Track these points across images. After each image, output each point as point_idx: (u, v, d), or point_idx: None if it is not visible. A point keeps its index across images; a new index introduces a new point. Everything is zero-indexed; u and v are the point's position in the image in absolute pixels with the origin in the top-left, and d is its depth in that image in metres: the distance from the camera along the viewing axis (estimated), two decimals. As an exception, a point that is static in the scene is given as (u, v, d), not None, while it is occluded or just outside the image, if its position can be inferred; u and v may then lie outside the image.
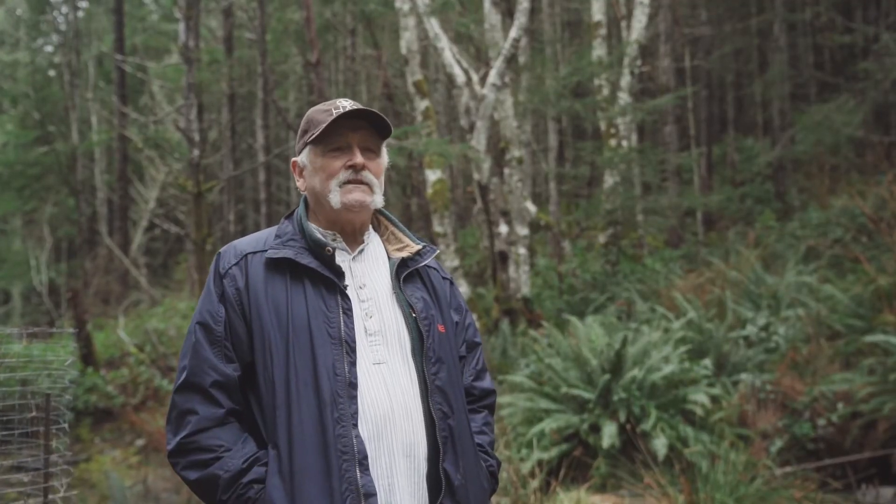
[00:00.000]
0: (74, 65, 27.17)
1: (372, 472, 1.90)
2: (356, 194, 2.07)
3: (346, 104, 2.09)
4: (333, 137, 2.07)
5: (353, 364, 1.95)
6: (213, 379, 1.96)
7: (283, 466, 1.89)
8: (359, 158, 2.07)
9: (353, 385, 1.93)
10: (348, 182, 2.07)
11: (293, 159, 2.19)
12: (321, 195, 2.09)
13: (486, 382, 2.30)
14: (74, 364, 4.25)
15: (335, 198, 2.06)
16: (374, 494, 1.88)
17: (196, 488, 1.95)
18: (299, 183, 2.17)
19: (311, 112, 2.15)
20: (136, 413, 13.32)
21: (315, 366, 1.92)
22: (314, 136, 2.07)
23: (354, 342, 1.97)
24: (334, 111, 2.08)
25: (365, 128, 2.11)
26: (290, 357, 1.93)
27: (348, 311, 1.99)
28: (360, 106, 2.09)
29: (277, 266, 2.02)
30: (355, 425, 1.90)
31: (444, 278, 2.27)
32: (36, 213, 27.49)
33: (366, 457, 1.89)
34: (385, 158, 2.19)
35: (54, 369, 4.32)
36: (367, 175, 2.09)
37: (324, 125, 2.06)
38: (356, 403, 1.92)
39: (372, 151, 2.13)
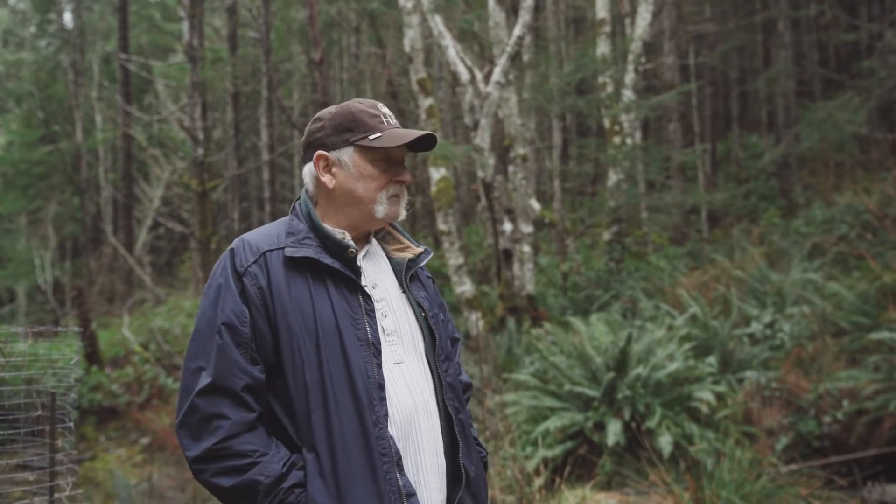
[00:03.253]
0: (79, 64, 27.19)
1: (406, 472, 1.94)
2: (398, 208, 2.10)
3: (387, 111, 2.12)
4: (387, 148, 2.06)
5: (379, 366, 1.96)
6: (245, 382, 1.91)
7: (325, 470, 1.88)
8: (408, 176, 2.11)
9: (381, 386, 1.94)
10: (395, 195, 2.09)
11: (321, 152, 2.09)
12: (362, 201, 2.07)
13: (465, 376, 2.33)
14: (79, 363, 4.26)
15: (381, 209, 2.07)
16: (414, 494, 1.91)
17: (229, 495, 1.90)
18: (325, 178, 2.08)
19: (356, 112, 2.09)
20: (141, 411, 13.34)
21: (349, 368, 1.92)
22: (374, 143, 2.05)
23: (380, 343, 1.98)
24: (384, 119, 2.09)
25: None
26: (322, 359, 1.92)
27: (371, 313, 2.00)
28: (417, 132, 2.09)
29: (297, 265, 1.99)
30: (387, 426, 1.93)
31: (428, 277, 2.30)
32: (41, 212, 27.53)
33: (401, 457, 1.92)
34: None
35: (59, 368, 4.32)
36: (405, 191, 2.13)
37: (388, 139, 2.04)
38: (385, 405, 1.93)
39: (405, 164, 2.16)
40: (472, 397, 2.38)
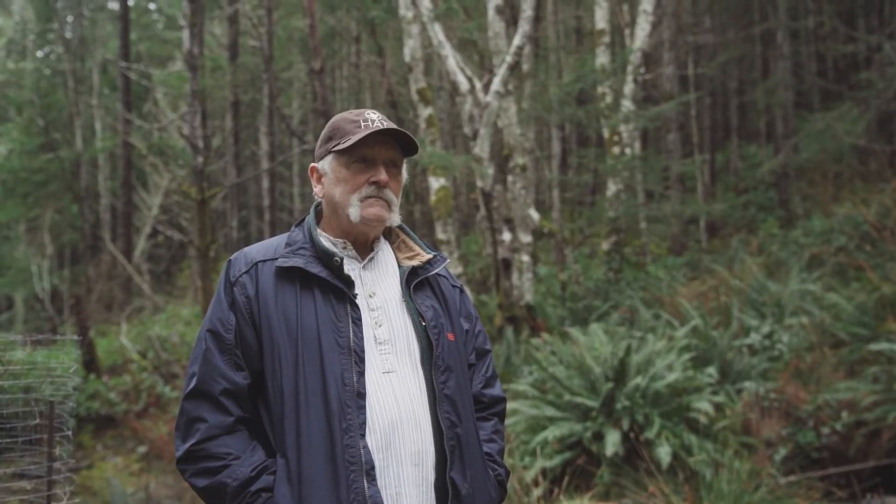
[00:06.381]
0: (79, 72, 27.23)
1: (379, 482, 1.91)
2: (375, 209, 2.08)
3: (375, 117, 2.10)
4: (360, 149, 2.07)
5: (361, 374, 1.95)
6: (223, 387, 1.97)
7: (292, 475, 1.89)
8: (384, 176, 2.08)
9: (361, 395, 1.93)
10: (369, 197, 2.08)
11: (312, 164, 2.19)
12: (340, 206, 2.10)
13: (496, 390, 2.29)
14: (77, 371, 4.25)
15: (355, 212, 2.07)
16: None
17: (204, 496, 1.96)
18: (317, 189, 2.17)
19: (338, 120, 2.14)
20: (139, 420, 13.30)
21: (323, 375, 1.93)
22: (342, 146, 2.07)
23: (363, 352, 1.97)
24: (362, 123, 2.08)
25: (391, 143, 2.11)
26: (299, 366, 1.94)
27: (357, 321, 2.00)
28: (389, 123, 2.09)
29: (287, 274, 2.03)
30: (363, 435, 1.91)
31: (453, 286, 2.28)
32: (39, 220, 27.51)
33: (373, 467, 1.90)
34: (405, 175, 2.20)
35: (57, 376, 4.32)
36: (388, 193, 2.10)
37: (353, 138, 2.05)
38: (364, 413, 1.93)
39: (395, 167, 2.13)
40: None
